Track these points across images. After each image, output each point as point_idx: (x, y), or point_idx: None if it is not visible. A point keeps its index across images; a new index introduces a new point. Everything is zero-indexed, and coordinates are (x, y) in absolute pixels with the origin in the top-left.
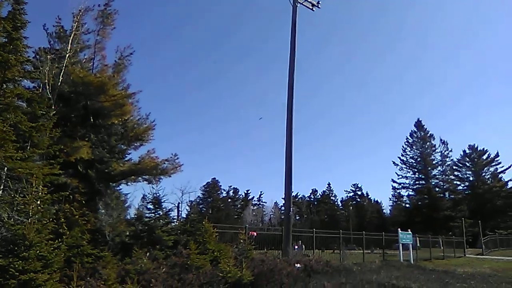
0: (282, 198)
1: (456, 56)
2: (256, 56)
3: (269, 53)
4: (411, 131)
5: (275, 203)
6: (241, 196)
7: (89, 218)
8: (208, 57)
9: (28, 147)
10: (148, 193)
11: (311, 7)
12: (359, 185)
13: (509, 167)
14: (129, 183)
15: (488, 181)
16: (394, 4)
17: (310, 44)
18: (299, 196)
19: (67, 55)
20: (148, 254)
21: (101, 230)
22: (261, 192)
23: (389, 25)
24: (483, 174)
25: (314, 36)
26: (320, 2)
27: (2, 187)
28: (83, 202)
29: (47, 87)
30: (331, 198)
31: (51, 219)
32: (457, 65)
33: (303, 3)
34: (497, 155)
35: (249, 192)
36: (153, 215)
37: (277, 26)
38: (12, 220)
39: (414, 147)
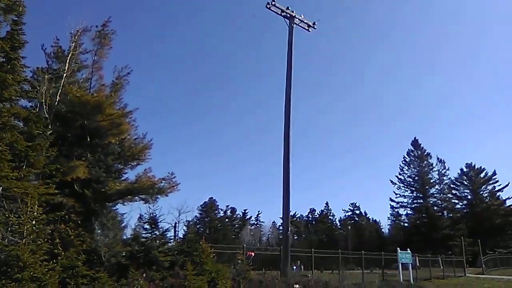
0: (280, 218)
1: (458, 78)
2: (256, 79)
3: (269, 76)
4: (408, 149)
5: (273, 222)
6: (238, 215)
7: (84, 238)
8: (205, 67)
9: (24, 167)
10: (145, 213)
11: (307, 28)
12: (357, 204)
13: (507, 185)
14: (125, 203)
15: (486, 200)
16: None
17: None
18: (297, 216)
19: (65, 75)
20: (144, 275)
21: (97, 251)
22: (259, 211)
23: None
24: (481, 192)
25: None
26: (316, 23)
27: None
28: (79, 222)
29: (44, 106)
30: (329, 217)
31: (46, 240)
32: (458, 88)
33: (299, 25)
34: (494, 173)
35: (246, 211)
36: (150, 235)
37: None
38: (6, 240)
39: (411, 166)
